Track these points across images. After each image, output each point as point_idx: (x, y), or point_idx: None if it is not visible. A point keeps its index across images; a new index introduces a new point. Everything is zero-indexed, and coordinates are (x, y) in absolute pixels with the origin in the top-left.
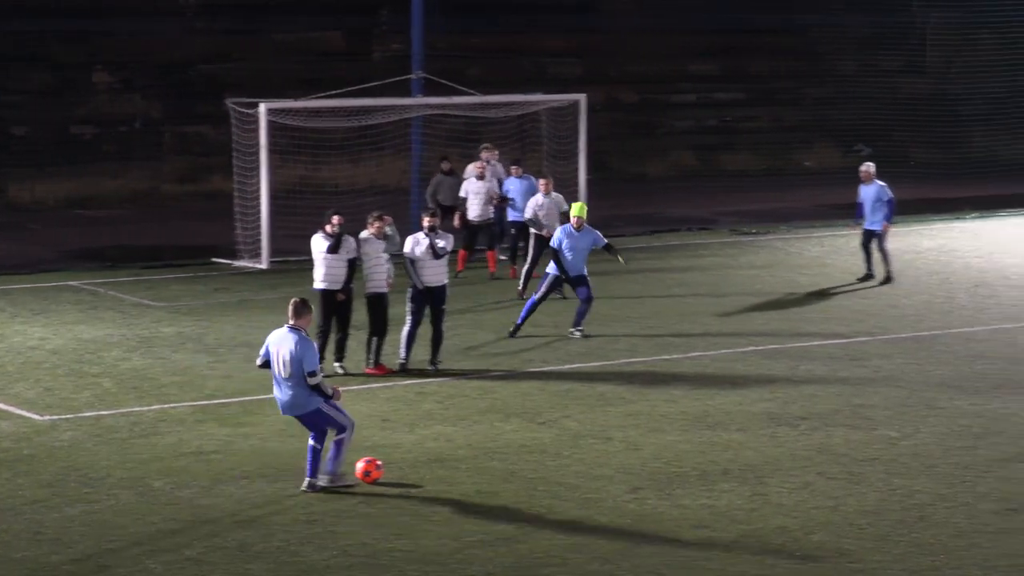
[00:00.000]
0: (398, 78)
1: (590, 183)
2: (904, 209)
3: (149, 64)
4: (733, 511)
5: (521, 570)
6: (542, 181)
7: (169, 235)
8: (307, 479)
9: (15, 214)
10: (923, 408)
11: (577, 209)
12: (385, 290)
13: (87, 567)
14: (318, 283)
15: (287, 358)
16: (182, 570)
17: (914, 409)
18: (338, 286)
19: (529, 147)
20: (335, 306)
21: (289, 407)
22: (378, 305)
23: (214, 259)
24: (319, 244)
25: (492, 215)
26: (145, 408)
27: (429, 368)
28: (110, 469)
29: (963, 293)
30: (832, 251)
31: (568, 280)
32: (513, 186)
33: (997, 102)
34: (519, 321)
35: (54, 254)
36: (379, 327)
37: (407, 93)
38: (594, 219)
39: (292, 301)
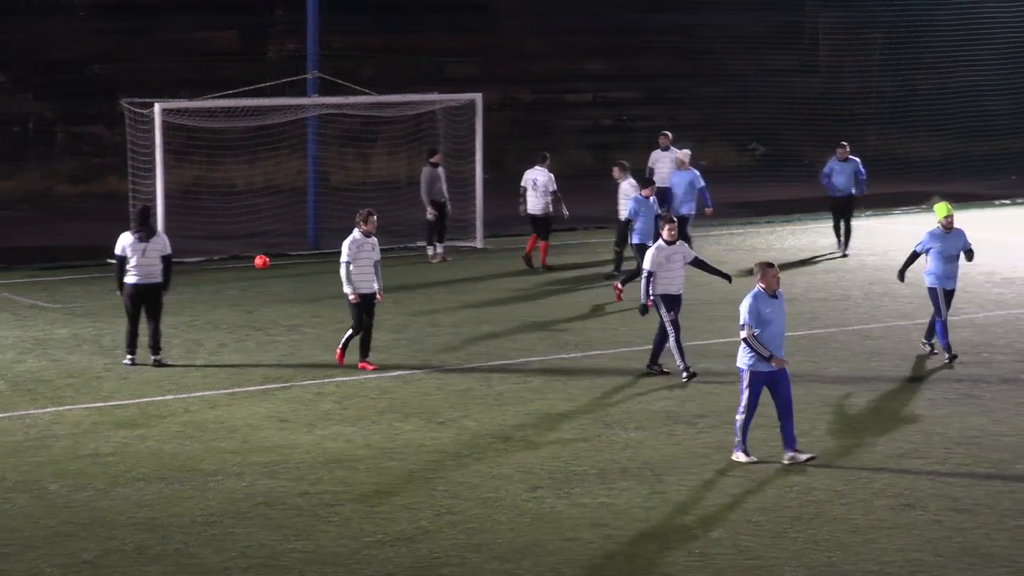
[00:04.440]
0: (293, 78)
1: (486, 182)
2: (799, 208)
3: (41, 64)
4: (632, 509)
5: (420, 570)
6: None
7: (64, 236)
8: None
9: None
10: (820, 405)
11: (944, 209)
12: (373, 291)
13: None
14: (129, 278)
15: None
16: (79, 574)
17: (811, 406)
18: (151, 280)
19: (426, 146)
20: (147, 299)
21: None
22: (369, 304)
23: (110, 260)
24: (127, 239)
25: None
26: (40, 411)
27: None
28: (4, 472)
29: (858, 291)
30: (729, 249)
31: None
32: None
33: (889, 101)
34: (944, 344)
35: None
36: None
37: (302, 93)
38: (491, 218)
39: (759, 263)
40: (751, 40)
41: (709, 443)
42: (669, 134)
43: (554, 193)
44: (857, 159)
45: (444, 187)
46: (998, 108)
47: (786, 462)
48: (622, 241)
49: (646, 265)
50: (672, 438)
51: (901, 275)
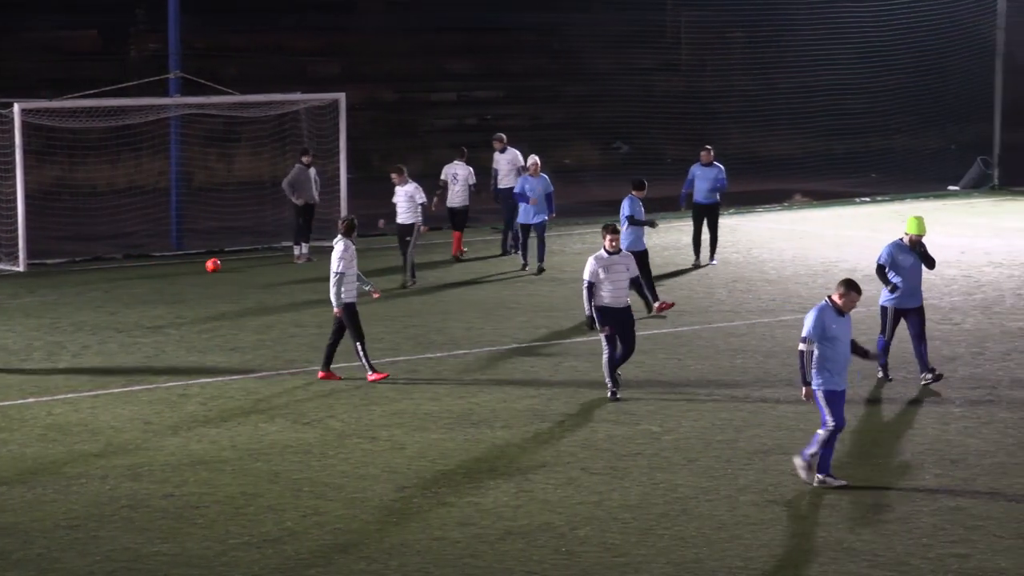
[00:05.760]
0: (155, 77)
1: (351, 182)
2: (663, 206)
3: None
4: (499, 508)
5: (287, 572)
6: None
7: None
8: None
9: None
10: (684, 402)
11: (916, 226)
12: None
13: None
14: None
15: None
16: None
17: (675, 403)
18: None
19: (290, 146)
20: None
21: None
22: (353, 314)
23: None
24: None
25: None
26: None
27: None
28: None
29: (722, 288)
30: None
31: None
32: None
33: (751, 99)
34: (881, 361)
35: None
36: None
37: (164, 93)
38: (356, 218)
39: (846, 280)
40: (613, 39)
41: (575, 441)
42: (503, 136)
43: (473, 186)
44: (720, 166)
45: (314, 188)
46: (857, 107)
47: (816, 484)
48: (406, 247)
49: (584, 275)
50: (538, 437)
51: (888, 284)
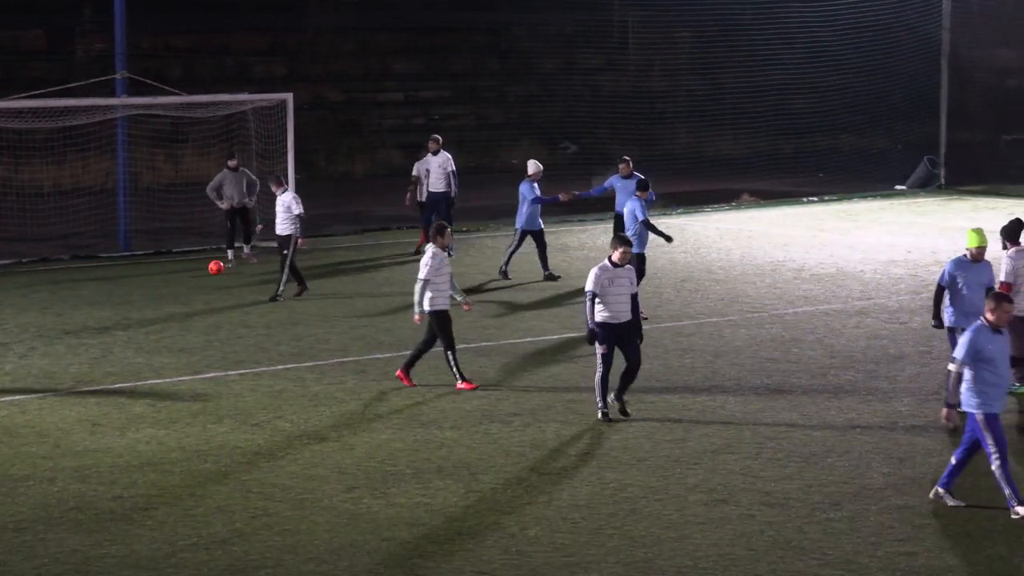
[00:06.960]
0: (102, 78)
1: (298, 182)
2: (611, 205)
3: None
4: (448, 508)
5: (236, 573)
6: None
7: None
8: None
9: None
10: (633, 401)
11: (976, 238)
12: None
13: None
14: None
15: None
16: None
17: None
18: None
19: (238, 146)
20: None
21: None
22: (445, 321)
23: None
24: None
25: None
26: None
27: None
28: None
29: (670, 288)
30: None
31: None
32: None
33: (698, 99)
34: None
35: None
36: (451, 342)
37: (111, 93)
38: (306, 217)
39: (996, 294)
40: (560, 39)
41: (524, 441)
42: (439, 138)
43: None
44: (641, 176)
45: (244, 190)
46: (805, 107)
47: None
48: (284, 259)
49: (587, 287)
50: (487, 437)
51: (937, 319)
